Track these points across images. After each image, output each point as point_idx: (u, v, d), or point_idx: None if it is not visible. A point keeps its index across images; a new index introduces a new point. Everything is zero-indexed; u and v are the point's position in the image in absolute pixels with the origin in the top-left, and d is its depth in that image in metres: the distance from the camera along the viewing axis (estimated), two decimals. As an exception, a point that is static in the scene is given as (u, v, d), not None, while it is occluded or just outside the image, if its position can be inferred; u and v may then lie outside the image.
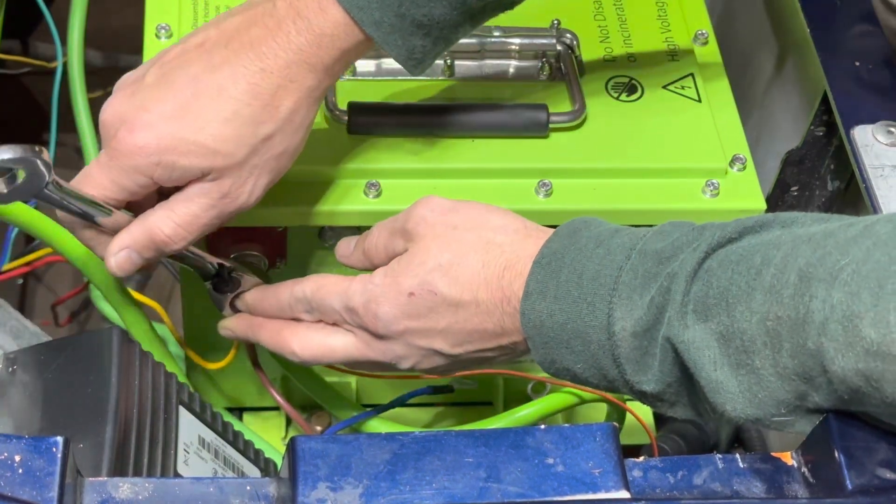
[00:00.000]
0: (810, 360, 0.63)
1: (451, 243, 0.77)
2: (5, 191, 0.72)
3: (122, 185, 0.77)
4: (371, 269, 0.82)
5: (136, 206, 0.80)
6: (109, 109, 0.78)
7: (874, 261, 0.61)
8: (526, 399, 1.02)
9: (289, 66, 0.77)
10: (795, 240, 0.66)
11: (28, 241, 1.22)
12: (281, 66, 0.77)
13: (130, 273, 0.81)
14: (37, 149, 0.72)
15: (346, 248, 0.85)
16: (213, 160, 0.77)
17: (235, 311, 0.88)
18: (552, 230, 0.76)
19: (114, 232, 0.80)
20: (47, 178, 0.73)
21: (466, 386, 1.04)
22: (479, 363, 0.80)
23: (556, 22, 0.99)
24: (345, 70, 0.82)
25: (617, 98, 0.96)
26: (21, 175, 0.72)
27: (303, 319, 0.82)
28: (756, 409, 0.66)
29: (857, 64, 0.95)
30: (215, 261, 0.86)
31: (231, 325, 0.87)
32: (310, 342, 0.81)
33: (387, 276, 0.78)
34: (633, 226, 0.94)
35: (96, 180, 0.77)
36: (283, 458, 0.64)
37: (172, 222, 0.78)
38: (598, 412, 1.02)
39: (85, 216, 0.77)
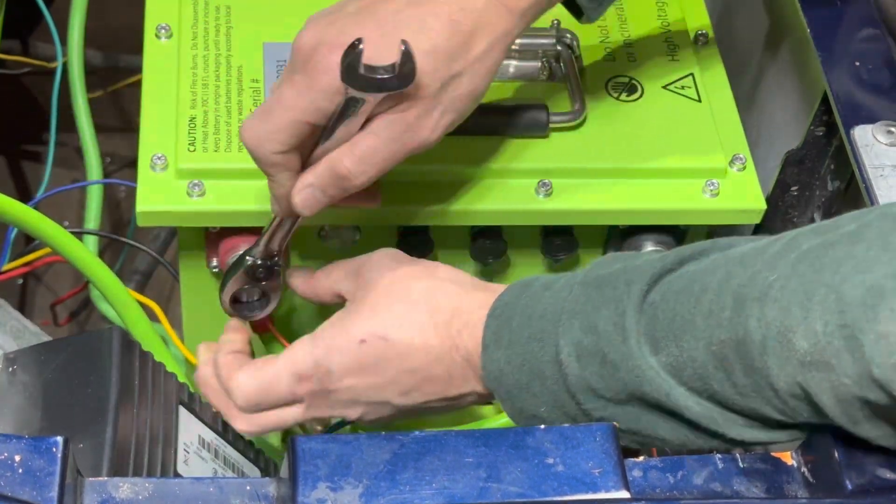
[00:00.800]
0: (761, 379, 0.64)
1: (400, 293, 0.79)
2: None
3: (319, 106, 0.77)
4: (314, 299, 0.86)
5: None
6: (307, 35, 0.78)
7: (799, 274, 0.62)
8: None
9: (487, 8, 0.79)
10: (728, 262, 0.67)
11: (28, 241, 1.22)
12: (480, 7, 0.78)
13: (315, 212, 0.80)
14: None
15: (298, 274, 0.88)
16: (407, 90, 0.76)
17: (234, 304, 0.88)
18: (500, 285, 0.78)
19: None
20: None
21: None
22: (425, 414, 0.81)
23: (556, 22, 0.99)
24: (536, 17, 0.82)
25: (617, 98, 0.96)
26: None
27: None
28: (728, 429, 0.67)
29: (857, 64, 0.95)
30: (283, 248, 0.86)
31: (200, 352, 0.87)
32: (258, 420, 0.82)
33: (334, 326, 0.79)
34: (633, 226, 0.95)
35: (292, 102, 0.77)
36: (283, 457, 0.64)
37: (354, 155, 0.78)
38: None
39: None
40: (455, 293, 0.79)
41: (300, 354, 0.79)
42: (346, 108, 0.76)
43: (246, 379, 0.81)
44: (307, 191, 0.79)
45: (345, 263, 0.85)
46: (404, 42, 0.74)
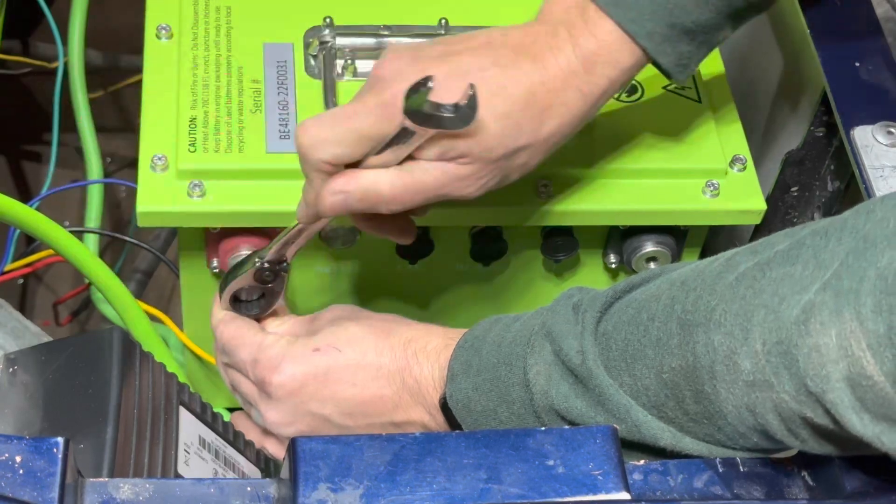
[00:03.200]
0: (710, 405, 0.65)
1: (360, 321, 0.83)
2: None
3: (380, 131, 0.77)
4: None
5: None
6: (389, 66, 0.78)
7: (740, 297, 0.63)
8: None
9: (565, 89, 0.79)
10: (671, 286, 0.68)
11: (29, 241, 1.22)
12: (558, 86, 0.79)
13: (337, 215, 0.81)
14: None
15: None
16: (472, 147, 0.77)
17: (233, 302, 0.89)
18: (463, 330, 0.80)
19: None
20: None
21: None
22: None
23: (556, 22, 0.99)
24: (604, 102, 0.83)
25: (617, 98, 0.96)
26: None
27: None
28: (684, 446, 0.68)
29: (857, 64, 0.95)
30: (292, 254, 0.87)
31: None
32: (226, 371, 0.89)
33: (299, 337, 0.84)
34: (633, 226, 0.95)
35: (360, 120, 0.77)
36: (284, 458, 0.64)
37: (401, 185, 0.78)
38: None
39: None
40: (412, 327, 0.83)
41: (267, 343, 0.84)
42: (399, 136, 0.76)
43: (227, 325, 0.88)
44: (339, 197, 0.79)
45: (301, 317, 0.90)
46: (472, 86, 0.74)
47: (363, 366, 0.81)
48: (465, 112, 0.74)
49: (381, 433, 0.78)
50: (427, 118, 0.74)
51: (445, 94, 0.74)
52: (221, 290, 0.89)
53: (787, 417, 0.61)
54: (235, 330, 0.87)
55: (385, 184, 0.78)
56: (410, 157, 0.78)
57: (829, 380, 0.58)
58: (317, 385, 0.81)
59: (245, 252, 0.91)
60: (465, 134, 0.76)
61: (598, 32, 0.79)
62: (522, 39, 0.80)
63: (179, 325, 1.03)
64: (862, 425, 0.58)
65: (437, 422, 0.80)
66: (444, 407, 0.78)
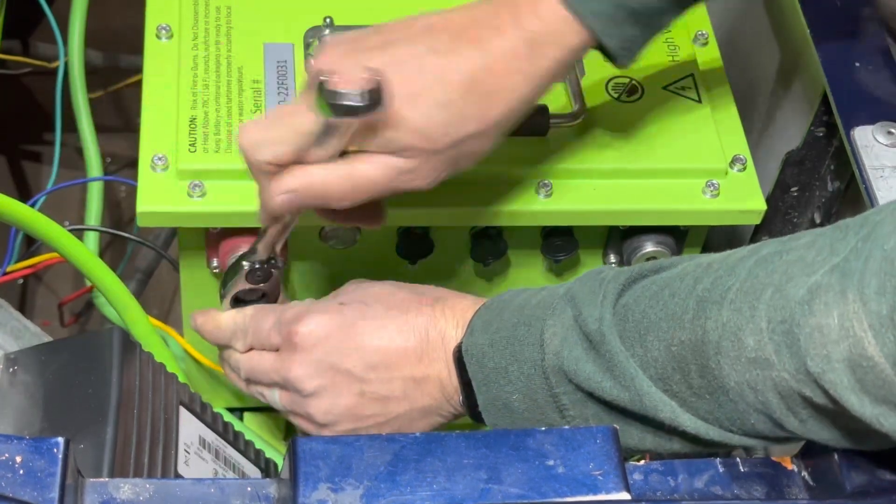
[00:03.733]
0: (713, 380, 0.65)
1: (385, 285, 0.83)
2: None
3: (318, 127, 0.76)
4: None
5: None
6: (324, 59, 0.77)
7: (754, 277, 0.63)
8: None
9: (509, 73, 0.77)
10: (697, 268, 0.68)
11: (30, 242, 1.22)
12: (502, 69, 0.77)
13: (289, 213, 0.81)
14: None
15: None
16: (415, 139, 0.76)
17: (235, 304, 0.88)
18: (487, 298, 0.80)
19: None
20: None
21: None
22: (383, 404, 0.80)
23: (556, 22, 0.99)
24: (556, 81, 0.81)
25: (617, 98, 0.96)
26: None
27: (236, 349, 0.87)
28: (682, 421, 0.68)
29: (857, 64, 0.95)
30: (278, 250, 0.86)
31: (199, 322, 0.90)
32: (244, 354, 0.87)
33: (324, 299, 0.84)
34: (633, 226, 0.95)
35: (295, 118, 0.77)
36: (284, 458, 0.64)
37: (346, 180, 0.78)
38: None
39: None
40: (441, 290, 0.82)
41: (292, 308, 0.83)
42: (325, 131, 0.75)
43: (241, 311, 0.87)
44: (287, 196, 0.79)
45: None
46: (377, 71, 0.72)
47: (390, 318, 0.80)
48: (373, 97, 0.72)
49: (400, 389, 0.79)
50: (337, 108, 0.72)
51: (353, 82, 0.72)
52: (222, 299, 0.89)
53: (786, 396, 0.62)
54: (254, 310, 0.86)
55: (330, 179, 0.78)
56: (357, 152, 0.77)
57: (830, 360, 0.58)
58: (342, 336, 0.80)
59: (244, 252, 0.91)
60: (403, 127, 0.75)
61: (542, 12, 0.77)
62: (462, 22, 0.78)
63: (180, 324, 1.03)
64: (861, 406, 0.58)
65: (453, 376, 0.79)
66: (459, 360, 0.77)
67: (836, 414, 0.60)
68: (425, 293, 0.81)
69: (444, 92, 0.76)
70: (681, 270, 0.69)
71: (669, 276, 0.70)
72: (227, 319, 0.88)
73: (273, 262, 0.87)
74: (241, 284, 0.87)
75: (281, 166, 0.78)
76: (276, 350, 0.84)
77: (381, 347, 0.80)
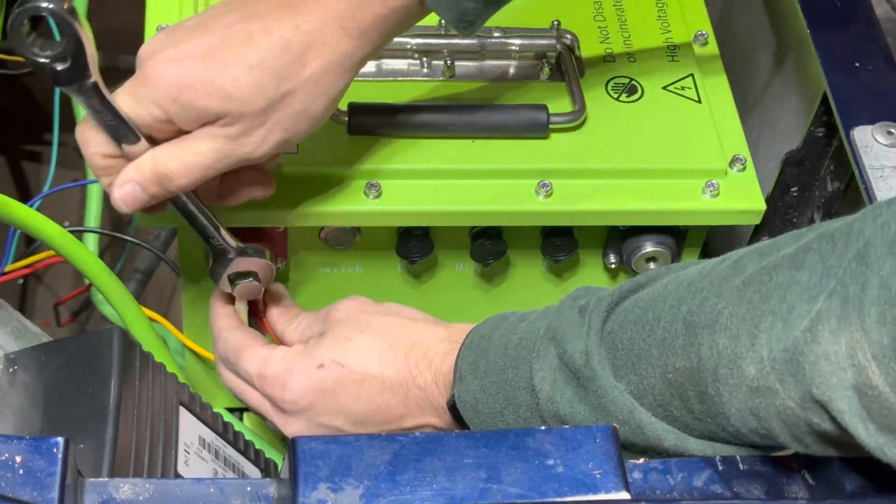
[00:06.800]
0: (713, 406, 0.65)
1: (363, 326, 0.83)
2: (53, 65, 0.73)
3: (138, 114, 0.77)
4: (280, 339, 0.90)
5: None
6: (146, 45, 0.78)
7: (747, 301, 0.62)
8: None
9: (323, 28, 0.77)
10: (678, 287, 0.68)
11: (29, 241, 1.22)
12: (315, 26, 0.77)
13: (135, 210, 0.80)
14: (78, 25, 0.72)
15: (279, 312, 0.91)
16: (228, 104, 0.76)
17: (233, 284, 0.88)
18: (459, 324, 0.81)
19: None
20: (91, 74, 0.74)
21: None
22: None
23: (556, 22, 0.99)
24: (384, 40, 0.81)
25: (617, 98, 0.96)
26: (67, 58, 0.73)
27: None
28: (687, 447, 0.68)
29: (857, 64, 0.95)
30: (227, 237, 0.86)
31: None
32: (226, 376, 0.89)
33: (304, 351, 0.84)
34: (633, 226, 0.95)
35: (119, 104, 0.77)
36: (284, 458, 0.64)
37: (178, 158, 0.78)
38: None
39: (114, 132, 0.77)
40: (415, 329, 0.83)
41: (274, 358, 0.84)
42: (82, 100, 0.76)
43: (231, 334, 0.87)
44: (128, 186, 0.79)
45: (312, 313, 0.89)
46: (74, 23, 0.72)
47: (367, 379, 0.81)
48: (67, 52, 0.72)
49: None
50: (40, 67, 0.73)
51: (203, 67, 0.75)
52: (215, 282, 0.89)
53: (791, 423, 0.61)
54: (241, 340, 0.87)
55: (165, 160, 0.78)
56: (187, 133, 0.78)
57: (838, 388, 0.57)
58: (325, 400, 0.82)
59: None
60: (213, 94, 0.76)
61: None
62: None
63: (180, 324, 1.03)
64: (867, 435, 0.57)
65: (446, 422, 0.80)
66: (453, 408, 0.78)
67: (841, 439, 0.60)
68: (397, 342, 0.82)
69: (254, 53, 0.76)
70: (661, 289, 0.69)
71: (650, 295, 0.69)
72: (218, 328, 0.89)
73: (239, 248, 0.86)
74: (222, 267, 0.87)
75: (115, 158, 0.78)
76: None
77: (365, 408, 0.82)
